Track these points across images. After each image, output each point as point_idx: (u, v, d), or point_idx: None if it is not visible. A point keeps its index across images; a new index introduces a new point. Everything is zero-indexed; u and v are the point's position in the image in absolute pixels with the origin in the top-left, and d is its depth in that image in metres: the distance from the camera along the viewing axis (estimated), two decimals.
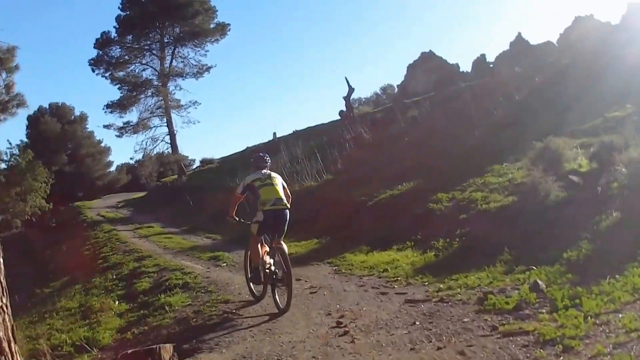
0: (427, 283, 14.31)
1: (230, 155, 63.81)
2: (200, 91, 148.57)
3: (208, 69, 77.47)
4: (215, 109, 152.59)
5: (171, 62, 75.94)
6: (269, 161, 14.69)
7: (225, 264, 20.91)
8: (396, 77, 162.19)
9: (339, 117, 46.54)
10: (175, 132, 74.58)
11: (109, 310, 16.93)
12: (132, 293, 18.62)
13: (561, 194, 16.53)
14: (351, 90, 44.29)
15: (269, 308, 13.49)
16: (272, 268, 13.48)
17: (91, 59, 73.78)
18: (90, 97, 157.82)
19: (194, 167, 74.65)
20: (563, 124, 22.87)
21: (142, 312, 15.73)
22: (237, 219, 14.37)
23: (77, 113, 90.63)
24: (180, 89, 76.08)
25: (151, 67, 76.07)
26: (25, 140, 78.68)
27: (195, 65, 76.60)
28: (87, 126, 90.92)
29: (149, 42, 75.79)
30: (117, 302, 17.73)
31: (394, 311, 12.10)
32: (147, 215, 44.59)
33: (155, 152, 75.60)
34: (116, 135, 77.23)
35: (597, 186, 15.84)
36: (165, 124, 74.82)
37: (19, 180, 50.15)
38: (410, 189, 24.22)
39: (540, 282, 11.71)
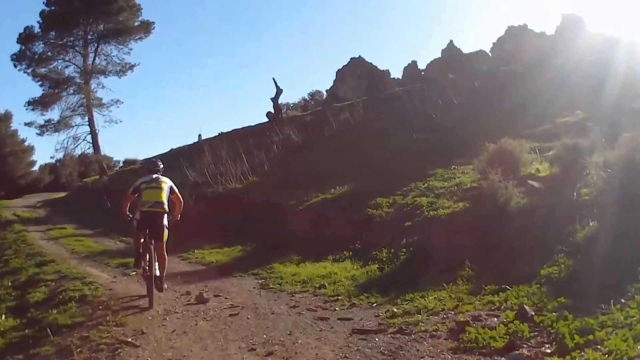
0: (375, 304, 11.93)
1: (154, 156, 59.93)
2: (123, 90, 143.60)
3: (131, 67, 74.78)
4: (139, 109, 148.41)
5: (94, 59, 73.20)
6: (161, 166, 14.96)
7: (134, 273, 17.53)
8: (324, 84, 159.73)
9: (266, 120, 44.31)
10: (97, 131, 71.94)
11: None
12: (24, 305, 15.27)
13: (522, 201, 14.75)
14: (279, 91, 42.62)
15: (174, 338, 10.62)
16: (147, 267, 13.67)
17: (13, 54, 70.69)
18: (15, 93, 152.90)
19: (117, 167, 71.32)
20: (509, 128, 21.15)
21: (26, 331, 12.26)
22: (130, 215, 14.39)
23: (1, 111, 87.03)
24: (103, 87, 73.49)
25: (74, 64, 72.98)
26: None
27: (118, 63, 73.96)
28: (11, 124, 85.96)
29: (72, 39, 72.52)
30: (3, 317, 14.21)
31: (339, 346, 9.24)
32: (64, 216, 40.96)
33: (76, 152, 73.32)
34: (37, 134, 74.88)
35: (564, 192, 14.19)
36: (87, 123, 72.08)
37: None
38: (345, 193, 22.42)
39: (527, 308, 9.12)
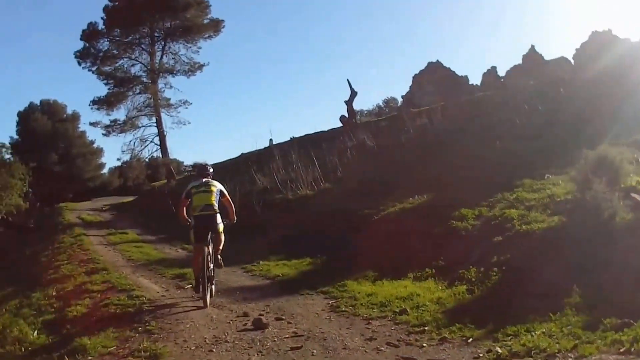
0: (470, 339, 10.04)
1: (224, 161, 58.21)
2: (191, 91, 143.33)
3: (200, 66, 71.93)
4: (208, 111, 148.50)
5: (161, 57, 70.90)
6: (211, 170, 15.82)
7: (190, 286, 16.17)
8: (400, 90, 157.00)
9: (339, 125, 42.35)
10: (165, 132, 69.00)
11: (23, 343, 12.20)
12: (62, 320, 13.91)
13: (627, 216, 12.78)
14: (354, 93, 40.36)
15: None
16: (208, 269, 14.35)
17: (77, 52, 68.96)
18: (79, 92, 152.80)
19: (186, 171, 70.16)
20: (599, 137, 19.42)
21: (53, 355, 10.90)
22: (189, 220, 14.91)
23: (69, 111, 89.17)
24: (171, 87, 70.82)
25: (140, 62, 70.93)
26: (15, 137, 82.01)
27: (186, 63, 71.29)
28: (79, 126, 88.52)
29: (138, 36, 70.63)
30: (35, 333, 12.86)
31: None
32: (129, 220, 40.61)
33: (144, 154, 70.48)
34: (103, 134, 71.36)
35: None
36: (155, 124, 69.40)
37: None
38: (425, 202, 20.57)
39: None
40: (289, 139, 48.56)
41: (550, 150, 20.93)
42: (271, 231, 24.84)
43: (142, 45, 70.63)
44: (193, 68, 71.54)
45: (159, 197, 45.81)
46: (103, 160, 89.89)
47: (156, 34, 70.48)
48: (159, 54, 70.76)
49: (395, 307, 12.58)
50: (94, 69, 68.93)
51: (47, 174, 74.09)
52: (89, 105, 69.13)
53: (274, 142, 49.21)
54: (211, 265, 14.55)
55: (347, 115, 41.05)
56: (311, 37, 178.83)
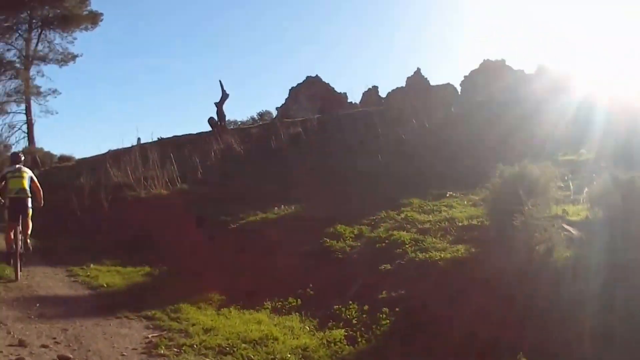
0: None
1: (91, 156, 54.05)
2: (63, 83, 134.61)
3: (74, 57, 67.48)
4: (77, 104, 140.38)
5: (37, 45, 66.54)
6: (23, 158, 16.68)
7: None
8: (275, 103, 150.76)
9: (209, 129, 39.84)
10: (33, 121, 65.34)
11: None
12: None
13: (565, 253, 9.50)
14: (225, 96, 38.51)
15: None
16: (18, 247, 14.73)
17: None
18: None
19: (53, 163, 65.73)
20: (489, 160, 15.79)
21: None
22: (2, 201, 15.16)
23: None
24: (43, 75, 66.41)
25: (15, 47, 66.25)
26: None
27: (60, 52, 67.18)
28: None
29: (15, 21, 65.83)
30: None
31: None
32: None
33: (11, 141, 64.57)
34: None
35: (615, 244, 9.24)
36: (24, 111, 65.23)
37: None
38: (293, 214, 17.73)
39: None
40: (157, 138, 44.83)
41: (443, 169, 19.05)
42: (115, 230, 21.36)
43: (19, 31, 66.29)
44: (66, 58, 67.47)
45: None
46: None
47: (34, 21, 66.24)
48: (34, 41, 66.70)
49: (245, 353, 8.63)
50: None
51: None
52: None
53: (142, 141, 45.73)
54: (20, 243, 14.90)
55: (216, 117, 39.04)
56: (192, 38, 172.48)
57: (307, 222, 15.82)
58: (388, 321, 9.34)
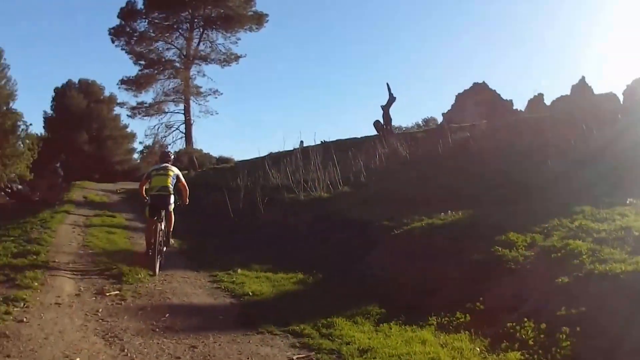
0: None
1: (251, 159, 52.63)
2: (223, 83, 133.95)
3: (237, 58, 68.49)
4: (238, 105, 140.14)
5: (198, 44, 67.75)
6: (172, 156, 17.41)
7: (114, 293, 12.24)
8: (440, 109, 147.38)
9: (374, 133, 38.51)
10: (191, 121, 66.85)
11: None
12: None
13: None
14: (392, 99, 36.62)
15: None
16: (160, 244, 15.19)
17: (111, 29, 66.39)
18: (107, 69, 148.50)
19: (210, 164, 65.64)
20: None
21: None
22: (146, 198, 15.76)
23: (106, 93, 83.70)
24: (204, 75, 67.73)
25: (175, 47, 68.23)
26: (50, 112, 79.03)
27: (223, 52, 67.97)
28: (114, 108, 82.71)
29: (177, 20, 67.18)
30: None
31: None
32: (135, 206, 35.38)
33: (167, 141, 68.79)
34: (128, 115, 73.47)
35: None
36: (182, 111, 67.24)
37: (1, 142, 43.08)
38: (460, 220, 16.03)
39: None
40: (320, 142, 44.26)
41: (616, 174, 17.15)
42: (270, 234, 20.94)
43: (180, 30, 67.75)
44: (229, 58, 68.39)
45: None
46: (135, 145, 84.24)
47: (196, 20, 67.06)
48: (195, 40, 67.79)
49: None
50: (127, 48, 66.58)
51: (77, 153, 71.94)
52: (117, 84, 68.39)
53: (304, 145, 45.22)
54: (161, 239, 15.33)
55: (382, 121, 37.20)
56: (358, 42, 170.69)
57: (475, 229, 14.66)
58: (568, 343, 8.44)
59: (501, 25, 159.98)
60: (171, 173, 15.93)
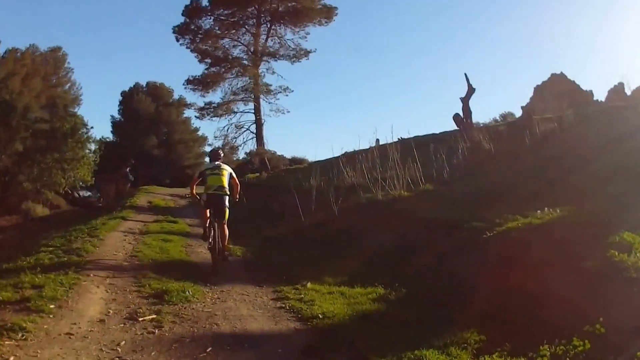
0: None
1: (325, 159, 49.62)
2: (292, 80, 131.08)
3: (307, 53, 65.44)
4: (308, 103, 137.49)
5: (266, 40, 65.10)
6: (222, 155, 17.19)
7: (149, 317, 10.38)
8: (517, 102, 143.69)
9: (452, 128, 36.38)
10: (262, 120, 63.82)
11: None
12: None
13: None
14: (471, 90, 33.50)
15: None
16: (212, 242, 15.63)
17: (176, 27, 63.99)
18: (171, 69, 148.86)
19: (283, 165, 64.25)
20: None
21: None
22: (198, 197, 16.78)
23: (175, 96, 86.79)
24: (273, 72, 64.52)
25: (242, 44, 65.69)
26: (117, 116, 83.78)
27: (292, 48, 65.16)
28: (184, 111, 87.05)
29: (243, 16, 64.75)
30: None
31: None
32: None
33: (237, 142, 65.30)
34: (196, 116, 71.09)
35: None
36: (252, 111, 64.29)
37: (59, 145, 41.88)
38: (561, 218, 13.62)
39: None
40: (397, 139, 42.36)
41: None
42: (344, 238, 19.50)
43: (246, 26, 65.33)
44: (298, 54, 65.46)
45: (247, 189, 38.99)
46: (207, 149, 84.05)
47: (262, 15, 64.76)
48: (263, 36, 65.37)
49: None
50: (192, 46, 64.53)
51: (146, 157, 73.15)
52: (183, 84, 65.38)
53: (380, 143, 43.38)
54: (219, 240, 15.58)
55: (461, 114, 34.05)
56: (429, 36, 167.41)
57: (580, 228, 12.27)
58: None
59: (577, 13, 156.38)
60: (225, 172, 16.32)
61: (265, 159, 61.18)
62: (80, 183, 47.66)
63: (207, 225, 15.80)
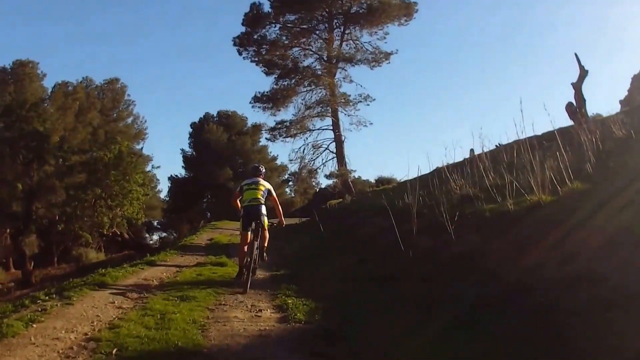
0: None
1: (414, 178, 43.24)
2: (371, 89, 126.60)
3: (387, 56, 57.88)
4: (387, 113, 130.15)
5: (340, 45, 58.02)
6: (263, 171, 17.48)
7: None
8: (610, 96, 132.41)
9: (561, 125, 29.85)
10: (342, 138, 56.37)
11: None
12: None
13: None
14: (584, 73, 29.31)
15: None
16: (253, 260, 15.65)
17: (236, 38, 58.07)
18: (237, 86, 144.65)
19: (369, 187, 59.41)
20: None
21: None
22: (240, 210, 16.57)
23: (249, 124, 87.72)
24: (351, 81, 57.36)
25: (313, 51, 58.90)
26: (188, 150, 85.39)
27: (370, 51, 57.71)
28: (259, 140, 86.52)
29: (313, 22, 58.31)
30: None
31: None
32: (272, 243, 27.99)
33: (315, 164, 58.01)
34: (266, 138, 66.82)
35: None
36: (330, 127, 57.27)
37: (101, 179, 36.64)
38: None
39: None
40: (494, 146, 36.36)
41: None
42: (465, 273, 12.13)
43: (317, 32, 58.77)
44: (377, 58, 57.87)
45: (328, 219, 33.98)
46: (286, 177, 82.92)
47: (335, 19, 58.12)
48: (337, 42, 58.26)
49: None
50: (257, 58, 58.42)
51: (221, 190, 72.50)
52: (250, 103, 58.93)
53: (475, 153, 37.16)
54: (256, 253, 15.41)
55: (574, 102, 29.15)
56: (524, 30, 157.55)
57: None
58: None
59: None
60: (262, 187, 16.44)
61: (348, 180, 55.31)
62: (140, 221, 45.01)
63: (246, 261, 15.45)
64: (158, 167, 61.74)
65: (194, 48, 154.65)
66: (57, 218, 41.84)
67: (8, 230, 43.57)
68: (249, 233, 15.73)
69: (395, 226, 16.82)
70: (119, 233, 42.26)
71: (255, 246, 15.43)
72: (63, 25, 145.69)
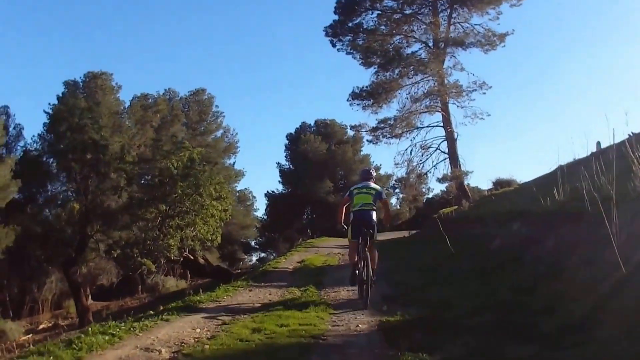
0: None
1: (533, 179, 36.38)
2: (482, 74, 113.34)
3: (502, 37, 50.62)
4: (500, 105, 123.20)
5: (447, 29, 51.13)
6: (374, 174, 16.94)
7: None
8: None
9: None
10: (455, 135, 49.82)
11: None
12: None
13: None
14: None
15: None
16: (361, 271, 14.95)
17: (328, 27, 53.51)
18: (335, 83, 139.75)
19: (487, 190, 48.70)
20: None
21: None
22: (345, 227, 15.84)
23: (350, 132, 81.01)
24: (462, 69, 50.28)
25: (416, 38, 52.37)
26: (285, 163, 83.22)
27: (481, 34, 50.67)
28: (361, 149, 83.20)
29: (413, 5, 51.91)
30: None
31: None
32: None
33: (424, 168, 51.42)
34: (368, 140, 58.51)
35: None
36: (440, 123, 50.66)
37: (164, 194, 35.25)
38: None
39: None
40: (627, 136, 30.24)
41: None
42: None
43: (419, 16, 52.17)
44: (491, 40, 50.80)
45: (437, 231, 26.49)
46: (393, 184, 76.87)
47: (440, 1, 51.62)
48: (443, 26, 51.36)
49: None
50: (353, 49, 52.42)
51: (320, 204, 72.37)
52: (348, 100, 52.49)
53: (601, 146, 31.41)
54: (370, 266, 14.43)
55: None
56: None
57: None
58: None
59: None
60: (373, 191, 15.49)
61: (464, 183, 49.45)
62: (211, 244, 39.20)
63: (356, 260, 14.59)
64: (240, 177, 57.45)
65: (283, 52, 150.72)
66: (113, 243, 37.41)
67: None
68: (358, 242, 14.62)
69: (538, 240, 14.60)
70: (192, 258, 37.56)
71: (365, 257, 14.30)
72: (133, 35, 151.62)
